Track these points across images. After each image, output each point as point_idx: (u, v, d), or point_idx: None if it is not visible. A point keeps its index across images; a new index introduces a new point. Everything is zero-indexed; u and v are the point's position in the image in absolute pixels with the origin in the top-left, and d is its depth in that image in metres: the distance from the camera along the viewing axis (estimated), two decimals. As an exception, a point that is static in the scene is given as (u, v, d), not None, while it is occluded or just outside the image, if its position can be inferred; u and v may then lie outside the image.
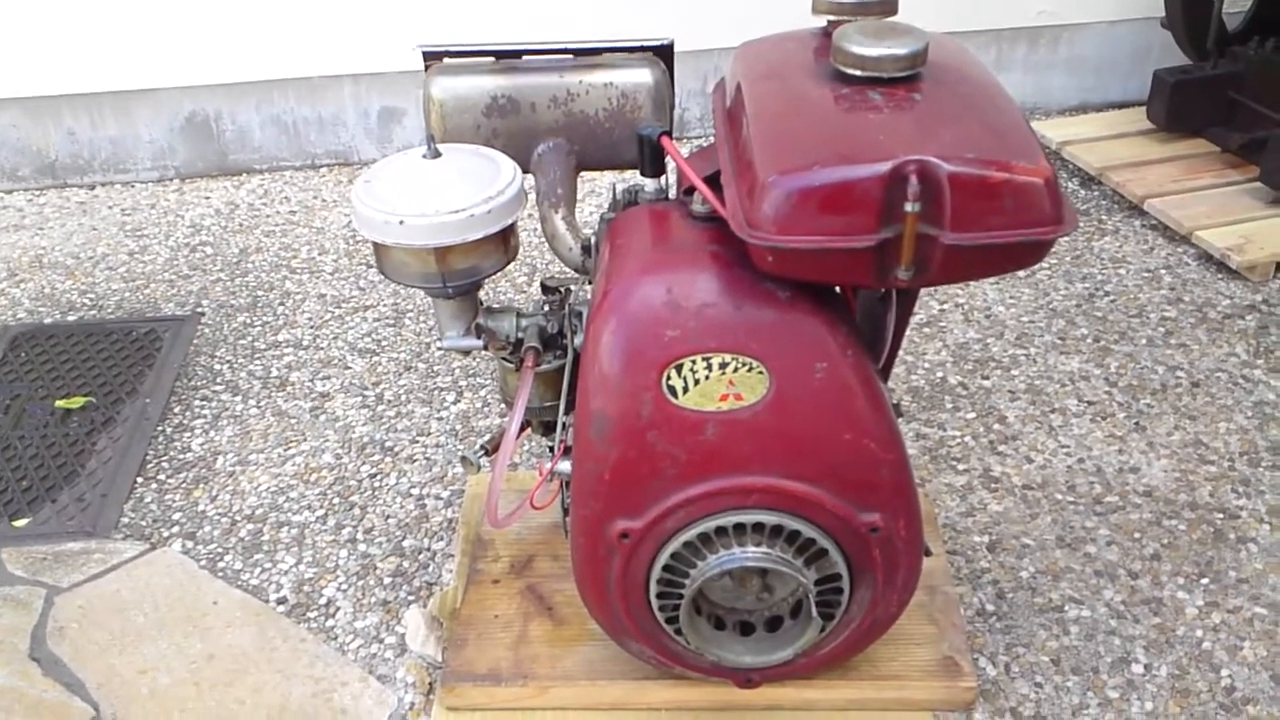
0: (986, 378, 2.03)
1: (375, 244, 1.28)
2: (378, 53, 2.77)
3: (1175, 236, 2.45)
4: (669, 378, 1.12)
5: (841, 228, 1.03)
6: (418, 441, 1.91)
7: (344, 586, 1.62)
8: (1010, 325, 2.18)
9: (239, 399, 2.05)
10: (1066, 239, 2.47)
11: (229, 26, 2.72)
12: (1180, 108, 2.66)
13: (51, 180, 2.90)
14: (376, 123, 2.93)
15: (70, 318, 2.32)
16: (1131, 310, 2.22)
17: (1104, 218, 2.56)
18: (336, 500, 1.79)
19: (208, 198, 2.82)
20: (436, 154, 1.26)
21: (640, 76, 1.44)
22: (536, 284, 1.99)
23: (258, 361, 2.15)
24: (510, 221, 1.27)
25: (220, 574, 1.66)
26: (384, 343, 2.20)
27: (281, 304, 2.34)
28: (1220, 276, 2.31)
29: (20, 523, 1.76)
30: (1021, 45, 3.03)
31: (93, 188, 2.89)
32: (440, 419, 1.97)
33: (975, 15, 2.93)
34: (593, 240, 1.37)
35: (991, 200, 1.02)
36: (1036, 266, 2.36)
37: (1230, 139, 2.62)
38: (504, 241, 1.29)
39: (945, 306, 2.25)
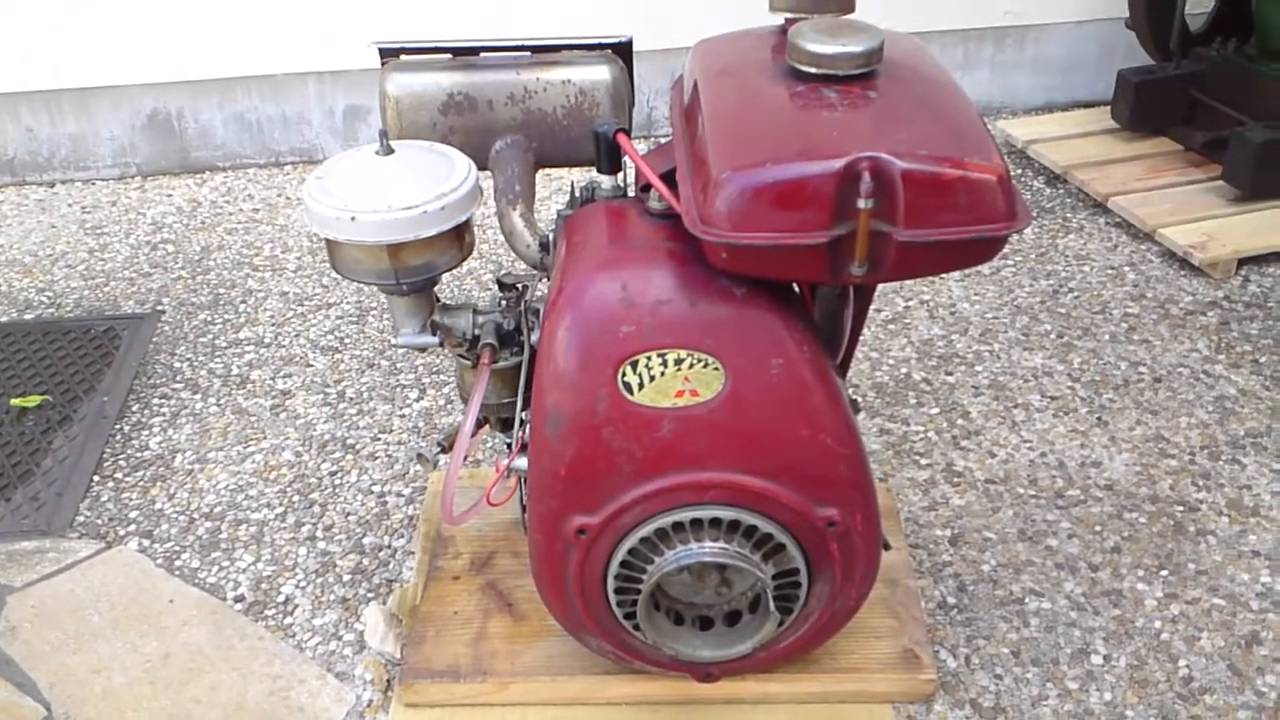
0: (950, 374, 2.04)
1: (328, 241, 1.27)
2: (342, 50, 2.75)
3: (1139, 234, 2.47)
4: (624, 374, 1.12)
5: (795, 224, 1.03)
6: (379, 439, 1.90)
7: (303, 584, 1.61)
8: (975, 321, 2.19)
9: (199, 397, 2.03)
10: (1032, 236, 2.49)
11: (191, 24, 2.69)
12: (1144, 107, 2.68)
13: (10, 178, 2.86)
14: (342, 120, 2.91)
15: (27, 316, 2.29)
16: (1095, 307, 2.23)
17: (1069, 215, 2.58)
18: (296, 498, 1.78)
19: (170, 195, 2.79)
20: (389, 150, 1.25)
21: (598, 74, 1.43)
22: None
23: (218, 359, 2.13)
24: (464, 218, 1.26)
25: (177, 572, 1.64)
26: (346, 340, 2.18)
27: (243, 302, 2.32)
28: (1183, 273, 2.33)
29: (-26, 523, 1.74)
30: (988, 45, 3.05)
31: (52, 185, 2.86)
32: (403, 416, 1.96)
33: (942, 15, 2.95)
34: (550, 237, 1.36)
35: (944, 197, 1.02)
36: (1001, 263, 2.38)
37: (1193, 138, 2.65)
38: (458, 238, 1.28)
39: (910, 303, 2.25)
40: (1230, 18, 2.64)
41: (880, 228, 1.03)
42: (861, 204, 1.01)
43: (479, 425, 1.39)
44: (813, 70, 1.11)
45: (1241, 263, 2.33)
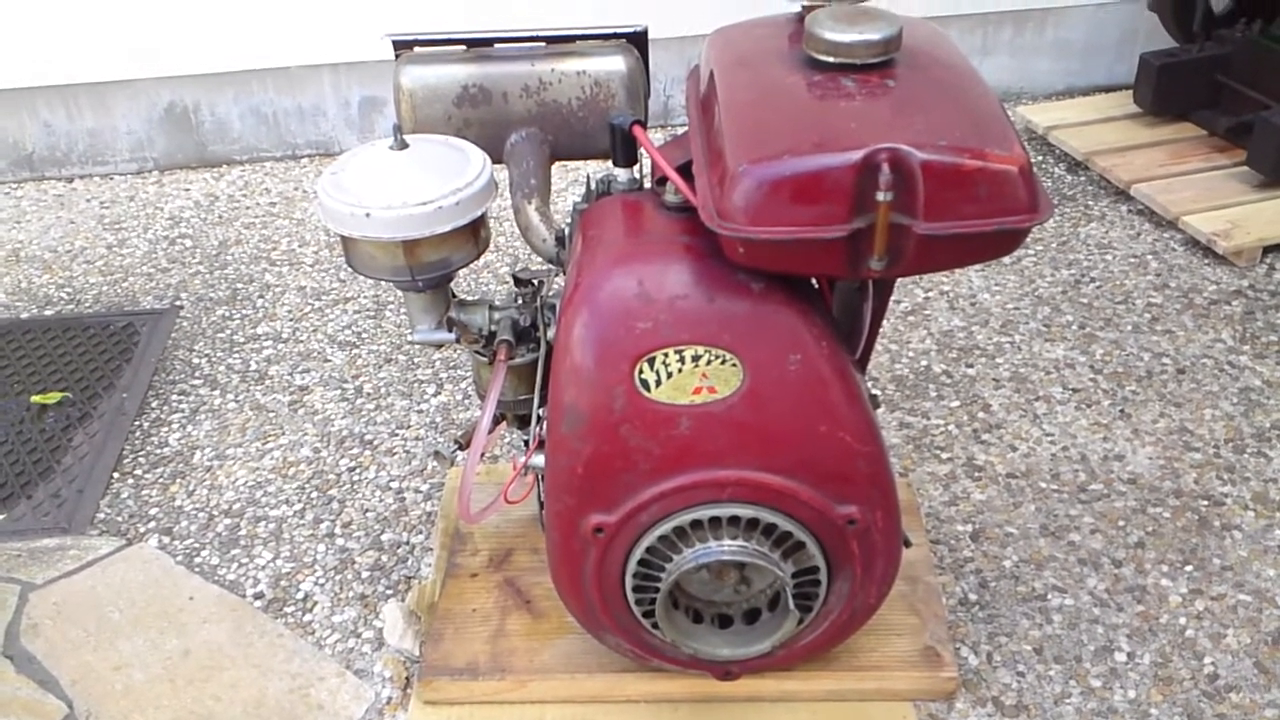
0: (971, 366, 2.02)
1: (343, 237, 1.26)
2: (357, 42, 2.74)
3: (1162, 221, 2.44)
4: (641, 371, 1.11)
5: (813, 218, 1.01)
6: (397, 435, 1.90)
7: (321, 581, 1.61)
8: (995, 312, 2.17)
9: (217, 393, 2.03)
10: (1053, 225, 2.46)
11: (207, 17, 2.69)
12: (1167, 91, 2.64)
13: (29, 173, 2.87)
14: (357, 112, 2.90)
15: (47, 312, 2.30)
16: (1117, 296, 2.21)
17: (1090, 203, 2.55)
18: (315, 494, 1.78)
19: (187, 189, 2.80)
20: (403, 145, 1.24)
21: (613, 64, 1.42)
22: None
23: (236, 355, 2.14)
24: (479, 213, 1.25)
25: (197, 569, 1.64)
26: (364, 335, 2.18)
27: (261, 296, 2.32)
28: (1206, 261, 2.30)
29: (-5, 520, 1.75)
30: (1007, 29, 3.01)
31: (71, 180, 2.87)
32: (420, 412, 1.95)
33: (961, -1, 2.92)
34: (566, 231, 1.35)
35: (965, 189, 1.00)
36: (1022, 253, 2.35)
37: (1217, 122, 2.61)
38: (474, 233, 1.27)
39: (930, 294, 2.23)
40: (1255, -2, 2.60)
41: (900, 220, 1.01)
42: (881, 196, 0.99)
43: (496, 422, 1.39)
44: (830, 59, 1.09)
45: (1267, 250, 2.29)
